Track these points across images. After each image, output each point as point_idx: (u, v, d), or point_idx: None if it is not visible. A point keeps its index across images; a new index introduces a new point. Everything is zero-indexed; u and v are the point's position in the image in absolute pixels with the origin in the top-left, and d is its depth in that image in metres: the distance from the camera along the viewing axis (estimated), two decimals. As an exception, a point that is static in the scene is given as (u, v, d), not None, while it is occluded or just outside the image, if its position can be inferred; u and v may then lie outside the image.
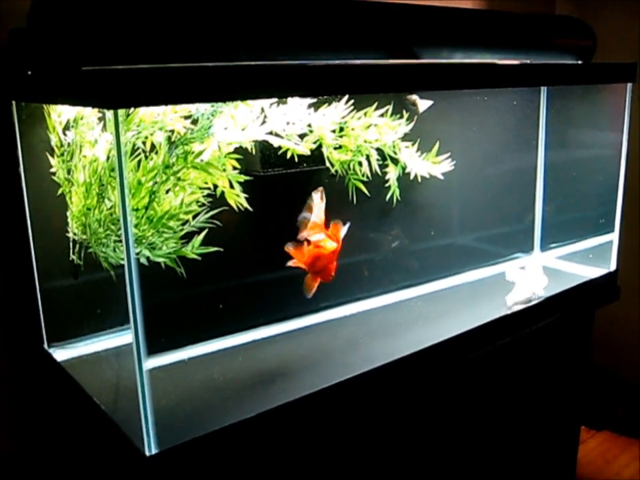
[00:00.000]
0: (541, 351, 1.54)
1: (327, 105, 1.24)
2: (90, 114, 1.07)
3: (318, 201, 1.15)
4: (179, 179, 1.06)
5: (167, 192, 1.06)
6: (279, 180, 1.24)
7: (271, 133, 1.17)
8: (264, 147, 1.20)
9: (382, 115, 1.33)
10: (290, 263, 1.14)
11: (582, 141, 1.79)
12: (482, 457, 1.48)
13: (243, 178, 1.15)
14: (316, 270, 1.14)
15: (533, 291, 1.38)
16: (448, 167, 1.45)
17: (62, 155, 1.12)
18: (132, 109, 0.99)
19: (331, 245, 1.13)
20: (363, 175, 1.34)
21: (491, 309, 1.38)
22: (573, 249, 1.77)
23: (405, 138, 1.38)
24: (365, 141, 1.33)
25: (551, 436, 1.68)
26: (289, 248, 1.13)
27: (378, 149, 1.35)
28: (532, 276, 1.41)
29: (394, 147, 1.38)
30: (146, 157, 1.04)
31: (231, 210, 1.14)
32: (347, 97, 1.25)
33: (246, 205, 1.15)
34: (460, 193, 1.56)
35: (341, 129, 1.29)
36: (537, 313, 1.44)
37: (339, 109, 1.26)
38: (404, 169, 1.41)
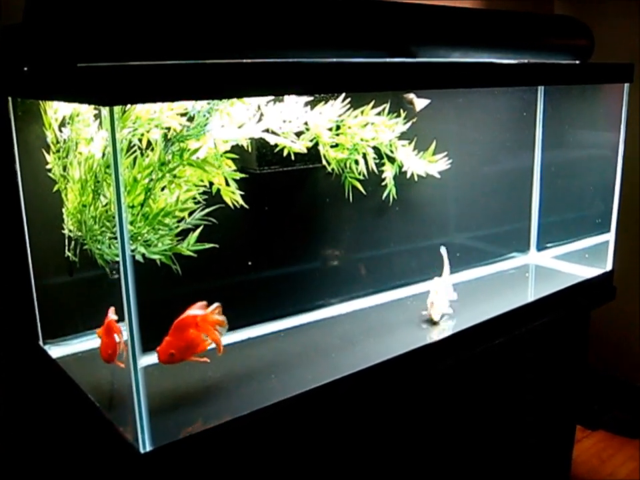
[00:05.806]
0: (537, 351, 1.55)
1: (323, 102, 1.24)
2: (86, 111, 1.07)
3: None
4: (174, 176, 1.06)
5: (163, 189, 1.06)
6: (275, 178, 1.24)
7: (267, 131, 1.17)
8: (260, 145, 1.20)
9: (379, 114, 1.33)
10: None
11: (579, 140, 1.79)
12: (478, 456, 1.48)
13: (238, 175, 1.15)
14: None
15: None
16: (445, 165, 1.45)
17: (58, 151, 1.12)
18: (128, 106, 0.99)
19: None
20: (359, 174, 1.34)
21: (486, 309, 1.38)
22: (569, 249, 1.78)
23: (402, 136, 1.38)
24: (362, 140, 1.32)
25: (546, 435, 1.68)
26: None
27: (375, 148, 1.35)
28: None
29: (391, 145, 1.38)
30: (142, 154, 1.04)
31: (227, 207, 1.14)
32: (343, 95, 1.25)
33: (242, 202, 1.15)
34: (456, 192, 1.56)
35: (338, 127, 1.29)
36: (533, 313, 1.44)
37: (335, 107, 1.26)
38: (400, 167, 1.41)
